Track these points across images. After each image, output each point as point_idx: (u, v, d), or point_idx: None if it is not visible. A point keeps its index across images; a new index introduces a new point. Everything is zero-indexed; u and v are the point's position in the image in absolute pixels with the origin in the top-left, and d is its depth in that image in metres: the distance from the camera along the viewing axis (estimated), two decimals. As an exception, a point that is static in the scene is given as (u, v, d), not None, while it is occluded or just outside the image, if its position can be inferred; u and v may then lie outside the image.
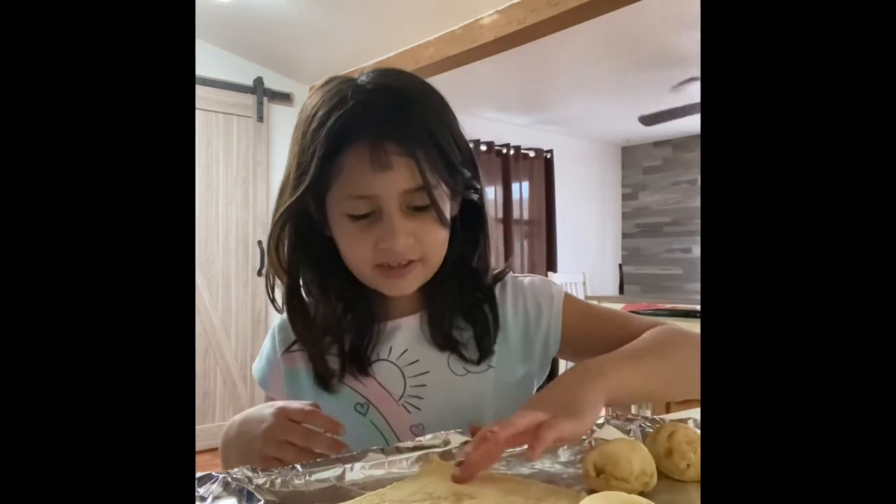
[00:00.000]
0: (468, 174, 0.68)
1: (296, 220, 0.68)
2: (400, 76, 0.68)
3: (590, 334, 0.73)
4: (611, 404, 0.57)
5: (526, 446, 0.49)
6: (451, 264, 0.71)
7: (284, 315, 0.77)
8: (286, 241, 0.69)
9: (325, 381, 0.71)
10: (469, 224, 0.72)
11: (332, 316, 0.71)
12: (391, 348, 0.72)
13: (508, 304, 0.74)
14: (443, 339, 0.71)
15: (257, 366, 0.80)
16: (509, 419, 0.50)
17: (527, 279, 0.78)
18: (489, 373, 0.71)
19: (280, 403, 0.63)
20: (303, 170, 0.64)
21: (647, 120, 3.73)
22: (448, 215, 0.67)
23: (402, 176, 0.62)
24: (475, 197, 0.70)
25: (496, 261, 0.76)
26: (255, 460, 0.59)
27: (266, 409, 0.62)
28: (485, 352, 0.71)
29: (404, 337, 0.73)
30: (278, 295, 0.72)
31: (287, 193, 0.67)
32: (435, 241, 0.67)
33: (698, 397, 0.68)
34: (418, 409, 0.70)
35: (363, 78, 0.66)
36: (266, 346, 0.80)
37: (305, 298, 0.72)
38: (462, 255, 0.72)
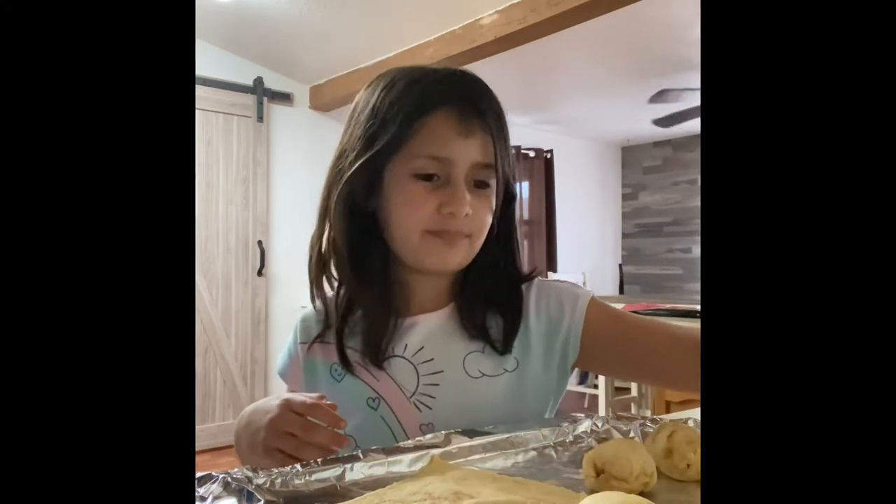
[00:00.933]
0: (513, 171, 0.73)
1: (363, 180, 0.69)
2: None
3: (615, 339, 0.73)
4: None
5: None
6: (484, 259, 0.73)
7: (308, 310, 0.79)
8: (341, 210, 0.69)
9: (346, 367, 0.72)
10: (502, 223, 0.74)
11: (356, 302, 0.72)
12: (406, 345, 0.72)
13: (531, 306, 0.75)
14: (474, 329, 0.72)
15: (280, 358, 0.82)
16: None
17: (555, 283, 0.79)
18: (502, 377, 0.71)
19: (287, 395, 0.63)
20: (381, 129, 0.66)
21: (663, 122, 3.73)
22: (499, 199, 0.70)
23: (478, 147, 0.67)
24: (515, 192, 0.74)
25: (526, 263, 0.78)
26: (259, 451, 0.60)
27: (273, 400, 0.63)
28: (508, 343, 0.71)
29: (421, 334, 0.73)
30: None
31: (351, 158, 0.68)
32: (485, 221, 0.70)
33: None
34: (429, 408, 0.70)
35: (432, 66, 0.71)
36: (289, 338, 0.81)
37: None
38: (494, 252, 0.74)
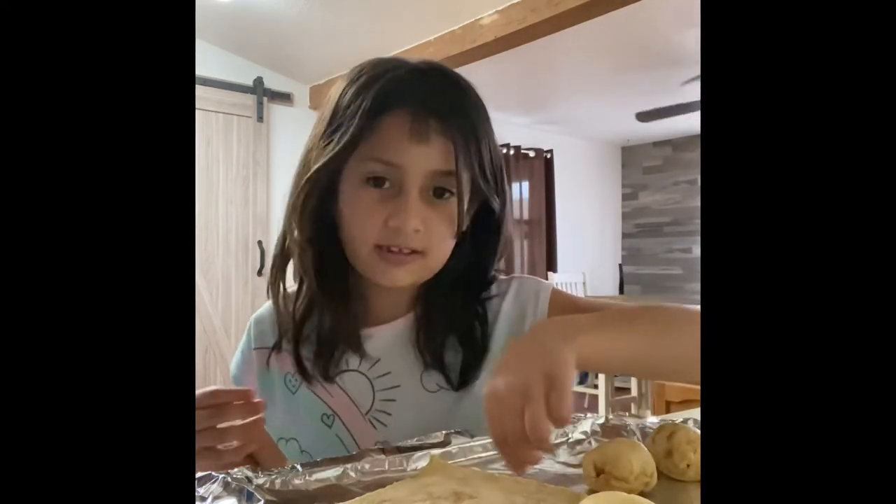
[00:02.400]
0: (493, 181, 0.65)
1: (320, 185, 0.64)
2: (448, 68, 0.67)
3: None
4: (583, 368, 0.51)
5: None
6: (452, 276, 0.67)
7: (263, 309, 0.75)
8: (306, 212, 0.65)
9: (303, 378, 0.69)
10: (485, 237, 0.69)
11: (314, 310, 0.68)
12: (362, 357, 0.69)
13: (492, 312, 0.70)
14: (430, 355, 0.67)
15: (233, 361, 0.78)
16: (528, 401, 0.44)
17: (514, 279, 0.73)
18: (462, 390, 0.67)
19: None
20: (338, 128, 0.61)
21: (644, 116, 3.74)
22: (467, 214, 0.64)
23: (435, 154, 0.61)
24: (496, 206, 0.67)
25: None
26: (197, 461, 0.57)
27: None
28: (466, 380, 0.66)
29: (379, 346, 0.69)
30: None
31: (312, 160, 0.64)
32: (442, 237, 0.64)
33: (695, 377, 0.60)
34: (384, 424, 0.67)
35: (410, 59, 0.66)
36: (242, 340, 0.77)
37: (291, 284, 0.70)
38: (467, 269, 0.68)
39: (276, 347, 0.71)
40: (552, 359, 0.47)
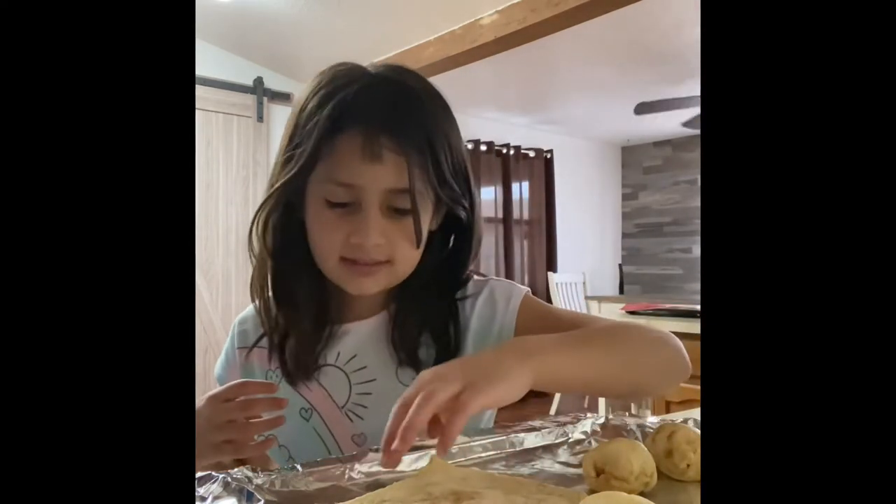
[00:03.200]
0: (457, 188, 0.65)
1: (281, 202, 0.66)
2: (408, 74, 0.66)
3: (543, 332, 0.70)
4: (539, 387, 0.51)
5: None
6: (424, 275, 0.68)
7: (246, 310, 0.78)
8: (271, 224, 0.66)
9: (286, 376, 0.70)
10: (453, 239, 0.70)
11: (290, 310, 0.69)
12: (339, 353, 0.70)
13: (465, 312, 0.71)
14: (404, 353, 0.68)
15: (218, 362, 0.79)
16: (426, 396, 0.45)
17: (489, 281, 0.74)
18: None
19: (208, 394, 0.61)
20: (297, 146, 0.62)
21: (641, 108, 3.71)
22: (426, 226, 0.65)
23: (389, 173, 0.61)
24: (462, 214, 0.67)
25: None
26: (207, 453, 0.58)
27: (198, 403, 0.61)
28: None
29: (354, 342, 0.70)
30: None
31: (277, 174, 0.65)
32: (403, 247, 0.64)
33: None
34: (361, 417, 0.69)
35: (371, 68, 0.66)
36: (227, 341, 0.80)
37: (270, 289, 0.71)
38: (439, 268, 0.69)
39: (256, 345, 0.73)
40: (488, 374, 0.47)
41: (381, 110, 0.61)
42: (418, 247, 0.64)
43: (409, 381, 0.64)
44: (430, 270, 0.69)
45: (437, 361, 0.67)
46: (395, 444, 0.44)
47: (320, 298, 0.69)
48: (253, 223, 0.67)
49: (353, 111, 0.61)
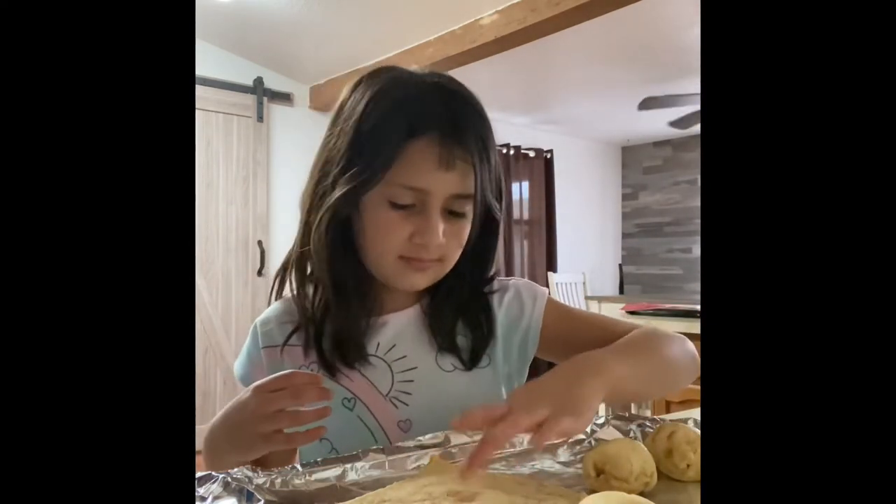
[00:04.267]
0: (498, 194, 0.70)
1: (351, 203, 0.67)
2: (457, 82, 0.70)
3: (569, 336, 0.74)
4: (608, 401, 0.56)
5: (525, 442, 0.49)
6: (457, 268, 0.72)
7: (267, 312, 0.78)
8: (324, 227, 0.67)
9: (326, 369, 0.71)
10: (483, 235, 0.72)
11: (334, 302, 0.70)
12: (378, 344, 0.72)
13: (494, 306, 0.75)
14: (442, 339, 0.72)
15: (238, 363, 0.80)
16: (510, 418, 0.49)
17: (511, 281, 0.78)
18: (475, 371, 0.72)
19: (254, 385, 0.62)
20: (362, 151, 0.64)
21: (646, 103, 3.70)
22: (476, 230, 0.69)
23: (457, 179, 0.65)
24: (498, 216, 0.71)
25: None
26: (256, 443, 0.58)
27: (242, 396, 0.61)
28: (475, 360, 0.72)
29: (392, 332, 0.73)
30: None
31: (335, 173, 0.66)
32: (458, 246, 0.69)
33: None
34: (406, 404, 0.70)
35: (421, 74, 0.69)
36: (247, 343, 0.79)
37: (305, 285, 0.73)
38: (469, 262, 0.72)
39: (287, 343, 0.74)
40: (574, 405, 0.51)
41: (451, 119, 0.65)
42: (467, 237, 0.69)
43: (448, 367, 0.72)
44: (462, 268, 0.72)
45: (474, 347, 0.72)
46: (477, 459, 0.48)
47: (363, 290, 0.71)
48: (315, 219, 0.68)
49: (427, 119, 0.64)
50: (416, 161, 0.63)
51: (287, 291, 0.74)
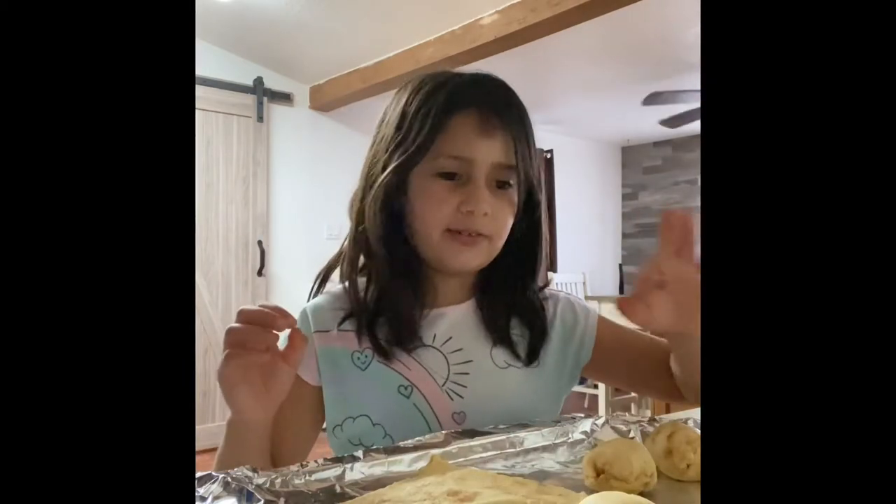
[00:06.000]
0: (538, 176, 0.73)
1: (397, 182, 0.70)
2: (498, 77, 0.74)
3: (622, 347, 0.78)
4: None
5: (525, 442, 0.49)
6: (504, 265, 0.74)
7: (318, 300, 0.77)
8: (375, 212, 0.70)
9: (381, 354, 0.72)
10: (527, 223, 0.74)
11: (386, 293, 0.72)
12: (435, 335, 0.73)
13: (549, 313, 0.77)
14: (496, 333, 0.74)
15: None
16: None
17: (562, 294, 0.82)
18: (530, 369, 0.74)
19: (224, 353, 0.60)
20: (409, 130, 0.68)
21: (650, 99, 3.69)
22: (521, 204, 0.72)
23: (499, 148, 0.69)
24: (540, 198, 0.74)
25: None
26: (242, 377, 0.58)
27: (219, 368, 0.60)
28: (534, 356, 0.74)
29: (448, 324, 0.74)
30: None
31: (384, 160, 0.70)
32: (505, 222, 0.71)
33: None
34: (461, 396, 0.71)
35: (460, 71, 0.73)
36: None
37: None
38: (516, 255, 0.75)
39: (339, 328, 0.74)
40: None
41: (490, 95, 0.70)
42: (518, 213, 0.71)
43: (503, 363, 0.74)
44: (510, 260, 0.74)
45: (531, 342, 0.74)
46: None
47: (416, 281, 0.73)
48: (364, 202, 0.71)
49: (466, 96, 0.69)
50: (458, 132, 0.68)
51: (332, 287, 0.76)
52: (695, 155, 5.19)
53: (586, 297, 4.46)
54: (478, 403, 0.71)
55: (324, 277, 0.77)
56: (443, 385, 0.72)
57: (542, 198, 0.75)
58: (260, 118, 3.59)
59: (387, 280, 0.72)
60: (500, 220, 0.70)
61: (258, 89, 3.57)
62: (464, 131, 0.68)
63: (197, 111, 3.11)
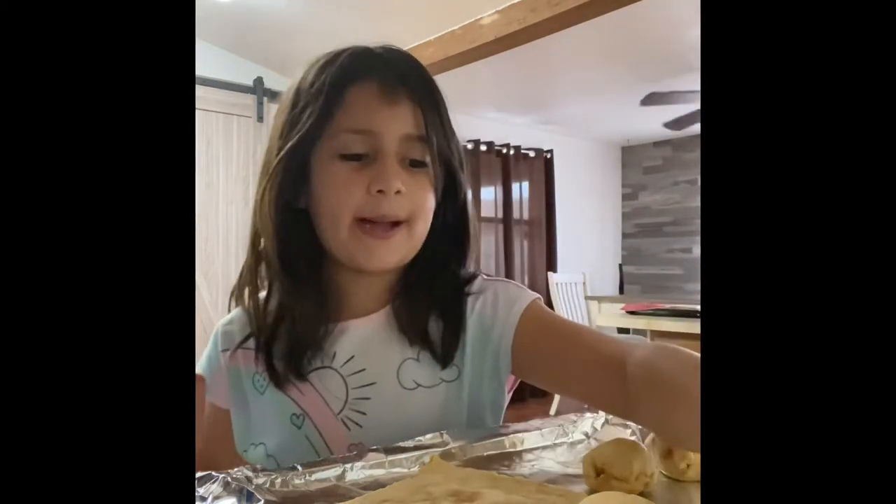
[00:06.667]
0: (457, 156, 0.65)
1: (290, 168, 0.61)
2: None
3: (539, 351, 0.63)
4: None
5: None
6: (427, 253, 0.66)
7: (233, 312, 0.72)
8: (275, 205, 0.62)
9: (273, 379, 0.65)
10: (451, 222, 0.67)
11: (286, 305, 0.65)
12: (335, 353, 0.65)
13: (468, 309, 0.66)
14: (415, 335, 0.64)
15: (199, 368, 0.73)
16: None
17: (497, 283, 0.69)
18: (440, 388, 0.64)
19: None
20: (304, 108, 0.61)
21: (649, 99, 3.68)
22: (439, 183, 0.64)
23: (406, 117, 0.61)
24: (462, 181, 0.67)
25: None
26: None
27: None
28: (449, 354, 0.64)
29: (353, 341, 0.65)
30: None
31: (276, 147, 0.62)
32: (423, 204, 0.63)
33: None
34: (359, 425, 0.63)
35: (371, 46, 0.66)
36: (208, 346, 0.74)
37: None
38: (438, 253, 0.67)
39: (241, 346, 0.68)
40: None
41: (391, 63, 0.62)
42: (435, 192, 0.63)
43: (410, 383, 0.63)
44: (432, 254, 0.66)
45: (445, 338, 0.64)
46: None
47: (320, 290, 0.65)
48: (258, 203, 0.63)
49: (365, 65, 0.61)
50: (358, 103, 0.60)
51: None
52: (695, 155, 5.19)
53: (586, 298, 4.46)
54: (378, 432, 0.60)
55: (238, 294, 0.69)
56: (339, 413, 0.63)
57: (466, 182, 0.66)
58: (260, 118, 3.59)
59: (285, 291, 0.64)
60: (416, 201, 0.61)
61: (258, 89, 3.57)
62: (364, 102, 0.60)
63: (197, 111, 3.11)
